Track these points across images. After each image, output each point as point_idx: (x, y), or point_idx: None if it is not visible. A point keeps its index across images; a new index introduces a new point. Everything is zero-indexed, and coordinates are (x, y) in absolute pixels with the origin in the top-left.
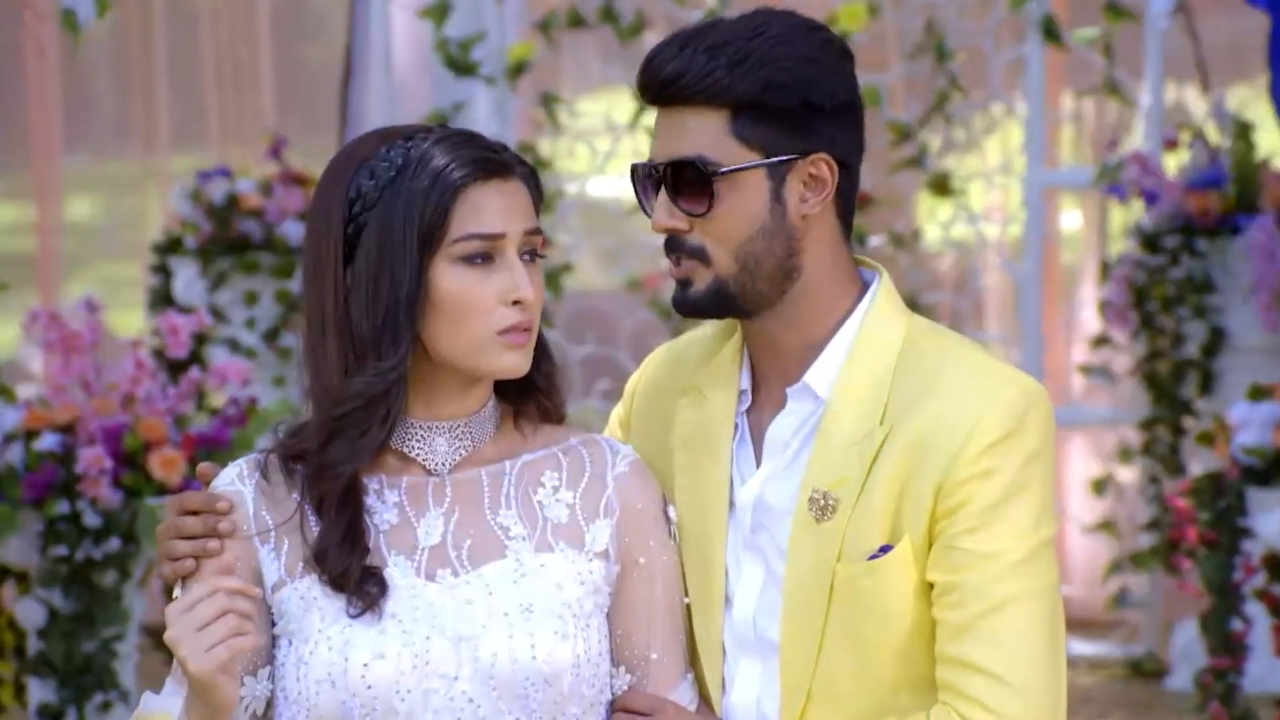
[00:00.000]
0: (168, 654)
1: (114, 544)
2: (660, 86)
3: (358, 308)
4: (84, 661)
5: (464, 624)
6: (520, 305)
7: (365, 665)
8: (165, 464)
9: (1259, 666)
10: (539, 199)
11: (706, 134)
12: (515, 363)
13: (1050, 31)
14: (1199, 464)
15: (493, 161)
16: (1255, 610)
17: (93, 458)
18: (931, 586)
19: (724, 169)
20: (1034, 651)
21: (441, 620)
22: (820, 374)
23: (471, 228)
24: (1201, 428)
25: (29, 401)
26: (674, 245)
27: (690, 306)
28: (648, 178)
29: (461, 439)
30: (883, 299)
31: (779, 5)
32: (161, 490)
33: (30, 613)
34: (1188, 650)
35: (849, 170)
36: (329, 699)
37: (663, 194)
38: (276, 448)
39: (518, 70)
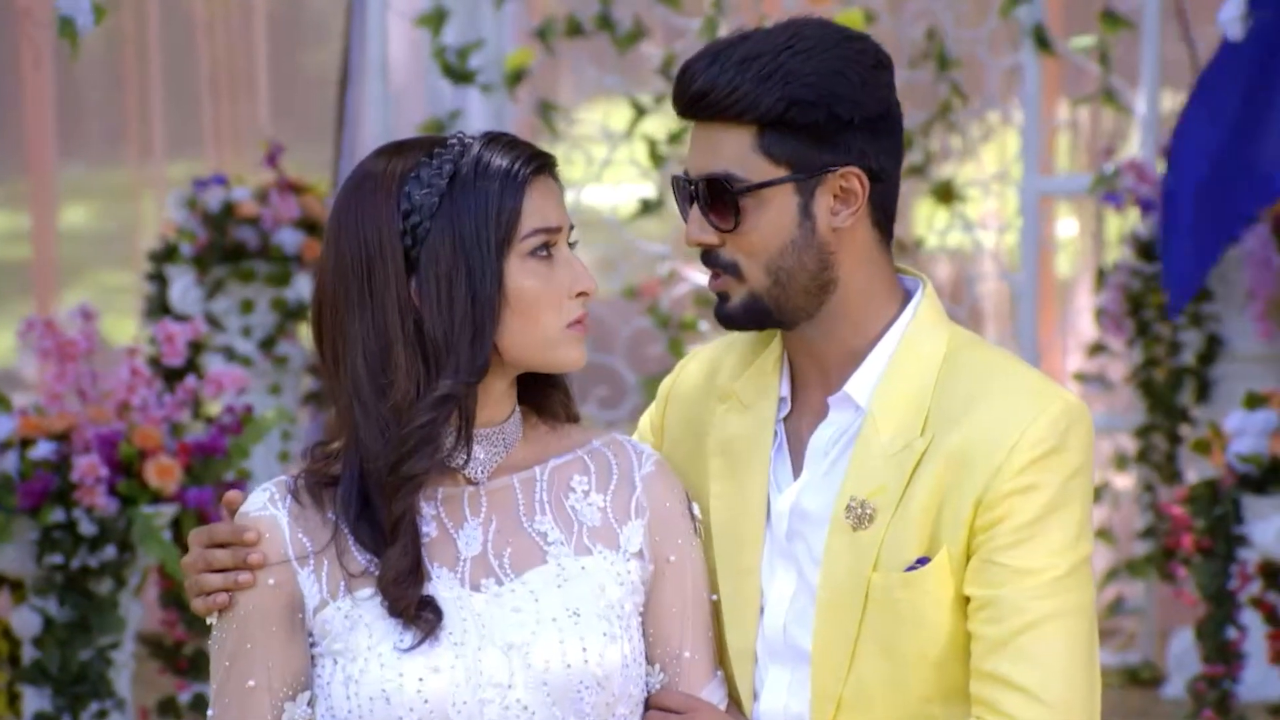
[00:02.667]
0: (163, 662)
1: (109, 552)
2: (691, 101)
3: (431, 317)
4: (79, 670)
5: (513, 632)
6: (584, 297)
7: (421, 680)
8: (161, 472)
9: (1254, 674)
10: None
11: (735, 149)
12: (580, 355)
13: (1041, 40)
14: (1195, 472)
15: (542, 157)
16: (1251, 618)
17: (88, 466)
18: (968, 600)
19: (750, 185)
20: (1070, 669)
21: (490, 630)
22: (861, 383)
23: (538, 222)
24: (1197, 436)
25: (24, 410)
26: (709, 259)
27: (728, 319)
28: (683, 191)
29: (496, 445)
30: (925, 309)
31: (770, 20)
32: (157, 498)
33: (25, 621)
34: (1183, 658)
35: (883, 181)
36: (383, 715)
37: (695, 209)
38: (306, 472)
39: (516, 78)
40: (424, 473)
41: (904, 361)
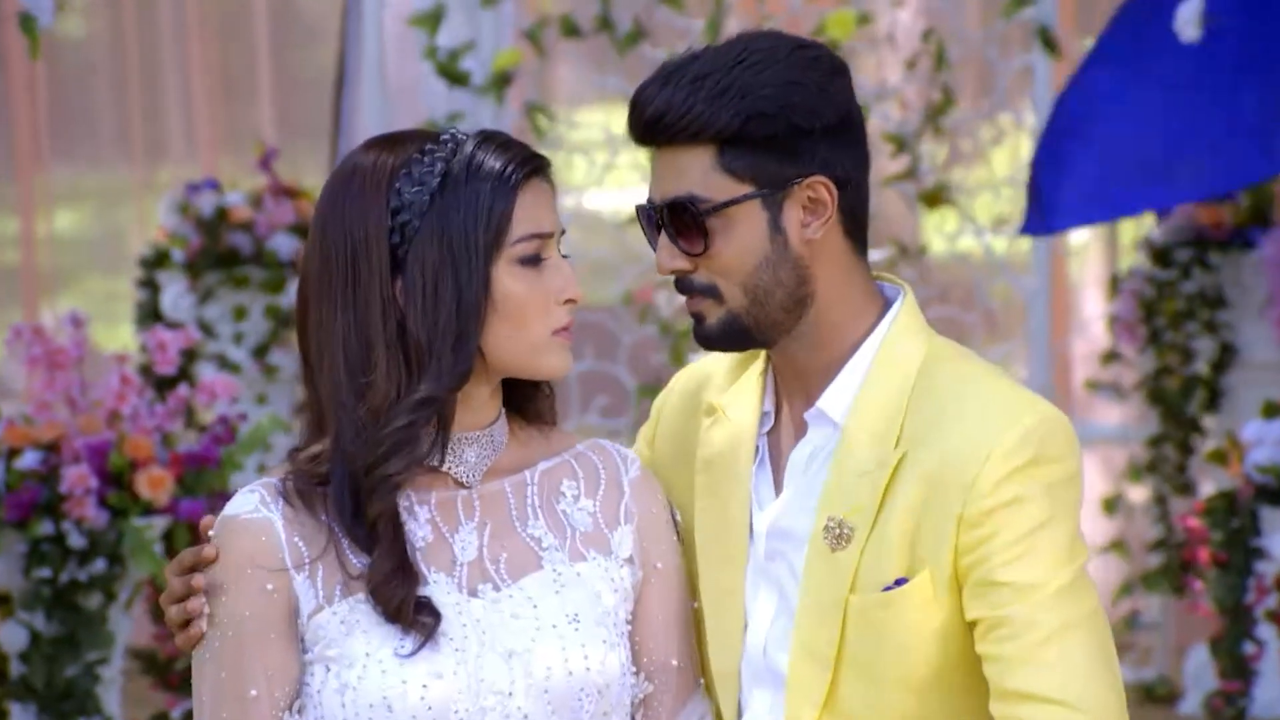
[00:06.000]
0: (153, 677)
1: (99, 565)
2: (646, 127)
3: (415, 319)
4: (66, 686)
5: (513, 639)
6: (571, 304)
7: (424, 687)
8: (152, 483)
9: (1269, 690)
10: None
11: (696, 171)
12: (565, 362)
13: (1049, 42)
14: (1210, 482)
15: (537, 160)
16: (1267, 633)
17: (77, 476)
18: (974, 624)
19: (715, 205)
20: (1095, 674)
21: (490, 636)
22: (835, 398)
23: (529, 228)
24: (1210, 445)
25: (11, 419)
26: (683, 285)
27: (706, 340)
28: (648, 219)
29: (485, 448)
30: (903, 319)
31: (773, 19)
32: (148, 510)
33: (12, 636)
34: (1200, 674)
35: (850, 188)
36: None
37: (663, 236)
38: (294, 473)
39: (504, 80)
40: (399, 475)
41: (880, 374)
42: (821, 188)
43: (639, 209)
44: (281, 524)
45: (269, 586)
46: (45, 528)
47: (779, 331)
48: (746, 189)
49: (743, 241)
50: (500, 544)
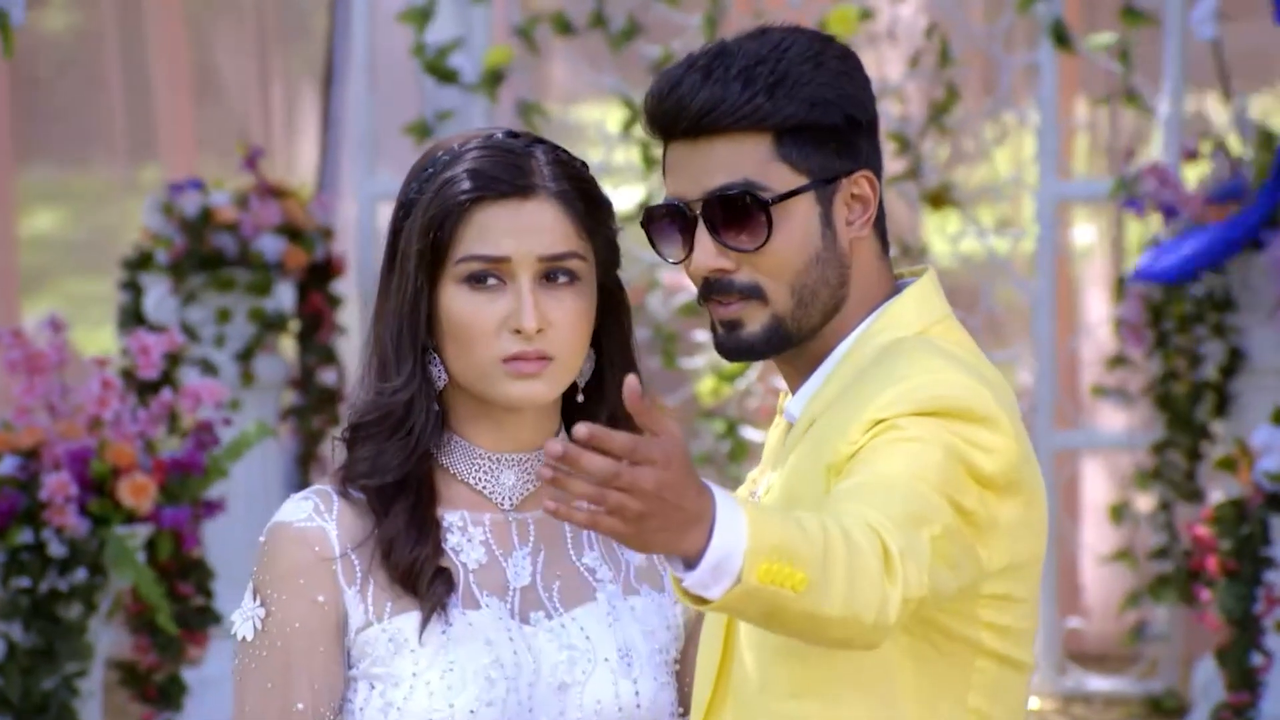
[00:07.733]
0: (133, 690)
1: (80, 575)
2: (695, 118)
3: (380, 319)
4: (42, 699)
5: (565, 670)
6: (521, 334)
7: (472, 712)
8: (135, 490)
9: (1276, 704)
10: (588, 217)
11: (750, 161)
12: (522, 393)
13: (1060, 36)
14: (1218, 490)
15: (504, 182)
16: (1276, 644)
17: (58, 484)
18: None
19: (780, 195)
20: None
21: (541, 665)
22: (799, 400)
23: (474, 249)
24: (1218, 452)
25: None
26: (720, 287)
27: (747, 349)
28: (671, 219)
29: (529, 473)
30: (890, 314)
31: (769, 15)
32: (130, 518)
33: None
34: (1209, 687)
35: (881, 187)
36: None
37: (702, 234)
38: (347, 480)
39: (495, 77)
40: (367, 474)
41: (841, 371)
42: (865, 183)
43: (655, 210)
44: (336, 534)
45: (320, 598)
46: (24, 536)
47: (809, 337)
48: (803, 180)
49: (798, 236)
50: (554, 572)
